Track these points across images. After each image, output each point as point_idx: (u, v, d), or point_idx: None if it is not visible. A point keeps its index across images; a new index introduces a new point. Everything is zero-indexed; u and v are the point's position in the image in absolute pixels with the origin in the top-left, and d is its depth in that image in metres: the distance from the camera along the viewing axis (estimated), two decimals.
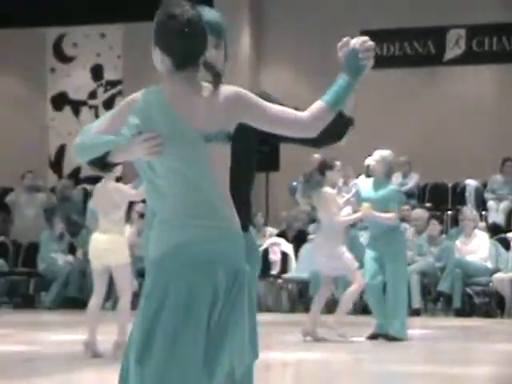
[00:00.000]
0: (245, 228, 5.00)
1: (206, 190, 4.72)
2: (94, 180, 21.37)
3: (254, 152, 5.37)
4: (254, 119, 4.91)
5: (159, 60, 4.90)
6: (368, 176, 14.84)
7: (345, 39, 5.12)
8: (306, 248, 19.03)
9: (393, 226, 13.95)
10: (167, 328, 4.59)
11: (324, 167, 13.83)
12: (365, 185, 14.37)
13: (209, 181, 4.72)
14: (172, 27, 4.80)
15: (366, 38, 5.08)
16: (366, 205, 13.62)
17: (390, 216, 13.79)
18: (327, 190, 13.77)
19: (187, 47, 4.82)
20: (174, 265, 4.67)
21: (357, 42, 5.06)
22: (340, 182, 20.37)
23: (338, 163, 14.02)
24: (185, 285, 4.64)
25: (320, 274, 14.60)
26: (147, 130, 4.70)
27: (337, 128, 5.24)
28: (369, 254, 14.11)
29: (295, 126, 4.95)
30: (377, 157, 14.18)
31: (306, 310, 18.38)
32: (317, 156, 15.16)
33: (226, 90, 4.88)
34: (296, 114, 4.95)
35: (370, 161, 14.59)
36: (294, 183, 20.67)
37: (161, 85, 4.85)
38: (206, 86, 4.87)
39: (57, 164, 22.96)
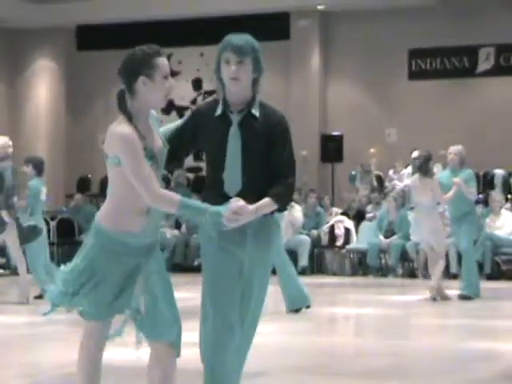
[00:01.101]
0: None
1: None
2: (197, 169, 21.64)
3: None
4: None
5: None
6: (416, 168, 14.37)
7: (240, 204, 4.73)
8: (364, 225, 18.91)
9: (469, 209, 13.72)
10: None
11: (429, 159, 13.54)
12: (444, 175, 13.91)
13: None
14: None
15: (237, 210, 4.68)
16: (456, 179, 13.24)
17: (472, 190, 13.56)
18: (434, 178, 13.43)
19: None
20: None
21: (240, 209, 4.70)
22: (391, 171, 20.08)
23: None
24: None
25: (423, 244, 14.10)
26: None
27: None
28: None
29: (144, 191, 4.69)
30: (454, 150, 13.82)
31: (365, 274, 18.26)
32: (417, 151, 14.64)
33: (117, 125, 4.87)
34: (151, 184, 4.66)
35: (415, 155, 14.35)
36: (353, 172, 20.48)
37: None
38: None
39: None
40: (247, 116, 4.99)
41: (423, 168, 13.37)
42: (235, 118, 4.95)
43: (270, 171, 4.96)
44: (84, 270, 4.83)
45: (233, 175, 4.95)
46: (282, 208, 4.99)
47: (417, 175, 13.48)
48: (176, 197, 4.64)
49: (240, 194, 4.87)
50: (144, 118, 4.83)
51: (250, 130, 4.92)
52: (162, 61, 4.79)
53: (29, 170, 13.93)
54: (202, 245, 5.16)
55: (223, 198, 4.84)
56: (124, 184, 4.71)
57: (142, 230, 4.74)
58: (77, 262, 4.94)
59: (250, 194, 4.87)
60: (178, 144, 5.05)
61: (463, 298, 13.45)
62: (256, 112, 5.00)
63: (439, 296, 13.34)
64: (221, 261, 4.98)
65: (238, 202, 4.69)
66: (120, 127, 4.73)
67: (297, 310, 11.69)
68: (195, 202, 4.79)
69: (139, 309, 4.86)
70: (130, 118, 4.77)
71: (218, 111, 5.02)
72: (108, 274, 4.76)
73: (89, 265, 4.82)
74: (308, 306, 11.74)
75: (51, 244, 20.01)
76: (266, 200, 4.88)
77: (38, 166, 14.09)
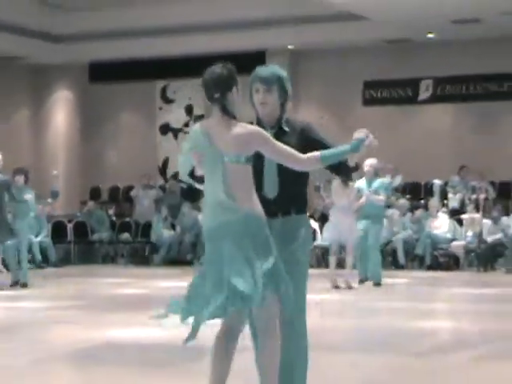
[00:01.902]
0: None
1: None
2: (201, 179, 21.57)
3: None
4: (265, 153, 4.71)
5: None
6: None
7: (365, 131, 4.88)
8: (327, 225, 18.91)
9: (377, 212, 13.92)
10: None
11: (354, 170, 13.59)
12: (361, 183, 14.02)
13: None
14: (202, 77, 4.78)
15: (372, 136, 4.86)
16: (366, 193, 13.72)
17: (380, 198, 13.85)
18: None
19: (205, 91, 4.74)
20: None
21: (367, 134, 4.85)
22: None
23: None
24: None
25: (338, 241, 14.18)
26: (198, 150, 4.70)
27: (347, 171, 5.08)
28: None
29: (293, 163, 4.71)
30: (369, 163, 13.99)
31: (328, 266, 18.33)
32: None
33: (242, 127, 4.68)
34: (296, 155, 4.69)
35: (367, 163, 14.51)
36: (317, 183, 20.50)
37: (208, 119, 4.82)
38: (225, 120, 4.70)
39: (163, 170, 22.93)
40: (278, 131, 5.00)
41: (345, 176, 13.49)
42: (269, 133, 4.92)
43: (301, 176, 4.95)
44: None
45: (271, 181, 4.94)
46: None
47: (338, 181, 13.55)
48: (317, 154, 4.68)
49: (277, 197, 4.91)
50: None
51: (281, 141, 4.86)
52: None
53: (21, 179, 13.91)
54: None
55: (262, 200, 4.82)
56: (248, 177, 4.68)
57: None
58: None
59: (285, 197, 4.91)
60: None
61: (376, 284, 13.69)
62: (285, 127, 5.04)
63: (335, 285, 13.47)
64: None
65: (362, 133, 4.83)
66: (247, 126, 4.70)
67: None
68: (333, 150, 4.78)
69: None
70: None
71: None
72: None
73: None
74: None
75: (68, 242, 20.08)
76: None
77: (27, 176, 14.13)
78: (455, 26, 18.59)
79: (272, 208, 4.87)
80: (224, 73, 4.78)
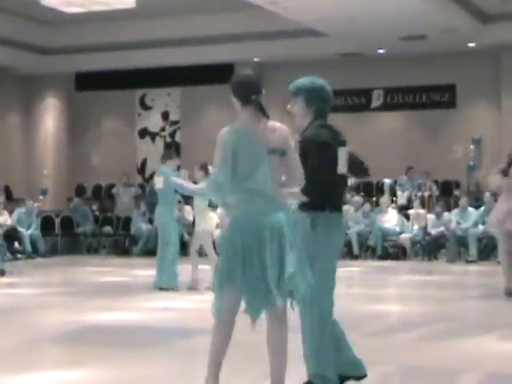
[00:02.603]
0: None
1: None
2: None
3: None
4: (289, 154, 4.62)
5: (235, 104, 4.66)
6: None
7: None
8: None
9: None
10: None
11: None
12: None
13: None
14: (235, 81, 4.69)
15: None
16: None
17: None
18: None
19: (240, 93, 4.61)
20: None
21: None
22: None
23: None
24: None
25: None
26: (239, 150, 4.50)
27: (363, 172, 5.57)
28: None
29: (298, 174, 4.62)
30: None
31: None
32: None
33: (280, 126, 4.61)
34: (301, 171, 4.62)
35: None
36: None
37: (236, 121, 4.65)
38: (263, 119, 4.60)
39: (141, 170, 22.83)
40: None
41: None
42: None
43: None
44: None
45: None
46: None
47: None
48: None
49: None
50: None
51: None
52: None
53: None
54: None
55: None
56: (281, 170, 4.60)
57: None
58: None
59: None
60: None
61: None
62: None
63: None
64: None
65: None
66: (284, 126, 4.63)
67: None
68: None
69: None
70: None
71: None
72: None
73: None
74: None
75: (55, 235, 19.92)
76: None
77: None
78: (403, 42, 18.69)
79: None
80: (258, 77, 4.76)
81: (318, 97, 4.97)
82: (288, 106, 5.00)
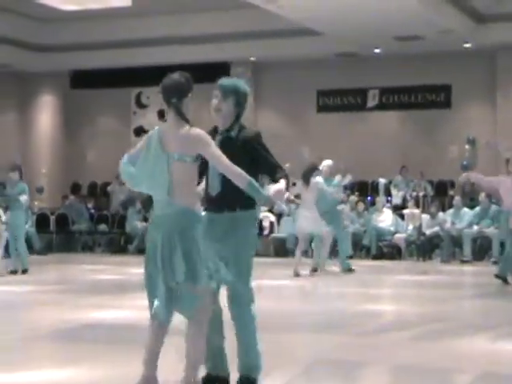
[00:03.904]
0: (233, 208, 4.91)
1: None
2: None
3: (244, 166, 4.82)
4: (205, 156, 4.64)
5: None
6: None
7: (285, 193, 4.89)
8: (284, 219, 18.96)
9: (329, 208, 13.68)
10: None
11: (313, 170, 13.45)
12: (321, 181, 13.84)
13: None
14: (161, 83, 4.77)
15: (286, 196, 4.82)
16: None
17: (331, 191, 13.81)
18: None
19: (163, 96, 4.71)
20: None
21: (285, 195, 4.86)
22: None
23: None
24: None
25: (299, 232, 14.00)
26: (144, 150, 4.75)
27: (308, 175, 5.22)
28: None
29: (226, 172, 4.62)
30: (326, 164, 13.96)
31: (285, 256, 18.31)
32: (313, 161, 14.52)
33: (190, 130, 4.61)
34: (231, 167, 4.58)
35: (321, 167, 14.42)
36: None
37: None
38: (178, 122, 4.63)
39: None
40: (225, 138, 5.00)
41: (306, 176, 13.43)
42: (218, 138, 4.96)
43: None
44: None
45: (214, 179, 4.94)
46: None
47: (301, 181, 13.39)
48: (248, 178, 4.57)
49: (220, 194, 4.90)
50: None
51: (223, 147, 4.80)
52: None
53: (15, 175, 13.73)
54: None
55: (210, 198, 4.93)
56: (193, 176, 4.64)
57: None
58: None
59: (230, 194, 4.84)
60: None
61: (349, 271, 13.75)
62: (232, 134, 5.02)
63: (297, 273, 13.25)
64: None
65: (277, 187, 4.74)
66: (195, 130, 4.61)
67: None
68: (257, 186, 4.62)
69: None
70: (191, 125, 4.66)
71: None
72: None
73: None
74: None
75: (51, 232, 19.92)
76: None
77: (21, 172, 13.98)
78: (398, 42, 18.72)
79: (217, 204, 4.89)
80: (182, 80, 4.74)
81: (244, 102, 5.03)
82: (215, 102, 4.99)
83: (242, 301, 4.94)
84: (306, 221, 13.31)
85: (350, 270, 13.80)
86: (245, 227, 4.95)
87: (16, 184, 13.58)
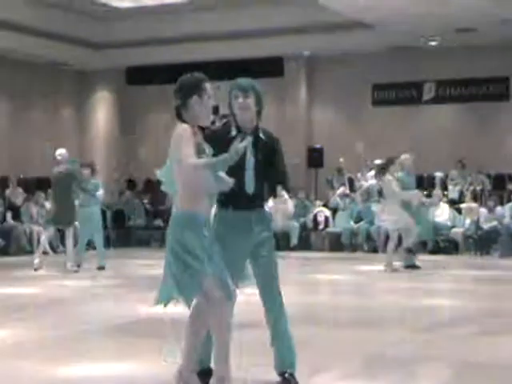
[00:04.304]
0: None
1: None
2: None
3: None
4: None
5: None
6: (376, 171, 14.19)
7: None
8: (339, 213, 18.88)
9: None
10: None
11: (389, 164, 13.21)
12: (401, 175, 13.36)
13: None
14: None
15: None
16: None
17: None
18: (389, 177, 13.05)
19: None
20: None
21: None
22: (359, 174, 19.98)
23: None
24: None
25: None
26: None
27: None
28: None
29: (190, 168, 4.51)
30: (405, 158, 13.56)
31: (340, 250, 18.25)
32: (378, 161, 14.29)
33: (176, 129, 4.60)
34: (192, 162, 4.48)
35: (378, 161, 14.23)
36: (329, 177, 20.44)
37: None
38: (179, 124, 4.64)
39: None
40: (257, 138, 4.99)
41: (384, 170, 13.24)
42: (248, 139, 4.82)
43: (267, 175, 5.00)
44: None
45: (250, 178, 4.96)
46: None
47: (390, 176, 13.06)
48: (210, 161, 4.53)
49: (255, 192, 4.94)
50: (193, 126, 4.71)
51: (259, 148, 4.92)
52: (208, 85, 4.73)
53: (88, 171, 13.85)
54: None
55: (245, 196, 4.92)
56: (189, 177, 4.59)
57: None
58: None
59: (259, 192, 4.97)
60: None
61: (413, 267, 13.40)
62: (262, 135, 5.03)
63: (390, 268, 13.04)
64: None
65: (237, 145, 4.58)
66: (180, 126, 4.60)
67: None
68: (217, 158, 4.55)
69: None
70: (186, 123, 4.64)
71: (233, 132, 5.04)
72: None
73: None
74: None
75: (108, 228, 20.13)
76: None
77: (94, 169, 14.08)
78: (456, 33, 18.48)
79: (252, 201, 4.94)
80: (184, 82, 4.73)
81: (261, 100, 5.02)
82: (241, 101, 4.95)
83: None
84: (389, 215, 13.08)
85: (414, 267, 13.45)
86: (270, 221, 5.16)
87: (89, 180, 13.70)
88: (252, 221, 4.96)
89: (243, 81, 5.04)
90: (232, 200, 4.93)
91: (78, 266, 13.37)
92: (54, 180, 13.29)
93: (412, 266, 13.38)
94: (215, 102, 5.05)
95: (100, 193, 13.76)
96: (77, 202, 13.51)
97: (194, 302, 4.70)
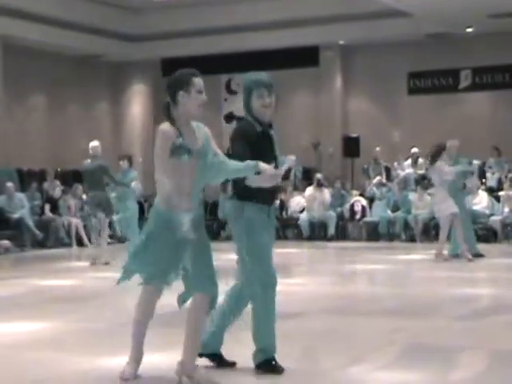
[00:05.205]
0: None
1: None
2: None
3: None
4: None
5: None
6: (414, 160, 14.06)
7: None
8: (376, 203, 18.80)
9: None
10: None
11: (441, 150, 13.01)
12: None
13: None
14: None
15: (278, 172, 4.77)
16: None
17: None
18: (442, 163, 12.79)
19: None
20: None
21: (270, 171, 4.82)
22: (396, 163, 19.92)
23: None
24: None
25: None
26: None
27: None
28: None
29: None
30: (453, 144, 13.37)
31: (377, 239, 18.17)
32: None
33: (159, 129, 4.83)
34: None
35: (414, 150, 14.13)
36: (365, 166, 20.37)
37: None
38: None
39: (228, 155, 22.93)
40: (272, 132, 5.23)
41: (433, 158, 12.99)
42: (271, 133, 5.18)
43: None
44: None
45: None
46: None
47: (442, 162, 12.78)
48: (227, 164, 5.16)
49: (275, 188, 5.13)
50: (185, 122, 4.82)
51: (274, 141, 5.18)
52: (197, 80, 4.78)
53: (125, 163, 13.94)
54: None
55: (272, 190, 5.08)
56: (169, 173, 4.76)
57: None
58: None
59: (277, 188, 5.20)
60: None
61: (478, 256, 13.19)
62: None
63: (444, 258, 12.92)
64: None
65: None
66: (162, 125, 4.75)
67: None
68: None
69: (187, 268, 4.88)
70: (172, 122, 4.76)
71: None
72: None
73: None
74: None
75: (146, 219, 20.24)
76: None
77: (131, 161, 14.16)
78: (492, 20, 18.32)
79: (273, 196, 5.17)
80: (172, 79, 4.88)
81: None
82: (268, 100, 5.01)
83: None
84: (442, 203, 12.89)
85: (457, 256, 13.29)
86: None
87: (127, 172, 13.78)
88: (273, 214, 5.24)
89: (265, 77, 5.12)
90: (257, 194, 5.06)
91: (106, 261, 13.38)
92: (85, 173, 13.27)
93: (478, 255, 13.25)
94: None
95: (135, 184, 13.80)
96: (113, 195, 13.59)
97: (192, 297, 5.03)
